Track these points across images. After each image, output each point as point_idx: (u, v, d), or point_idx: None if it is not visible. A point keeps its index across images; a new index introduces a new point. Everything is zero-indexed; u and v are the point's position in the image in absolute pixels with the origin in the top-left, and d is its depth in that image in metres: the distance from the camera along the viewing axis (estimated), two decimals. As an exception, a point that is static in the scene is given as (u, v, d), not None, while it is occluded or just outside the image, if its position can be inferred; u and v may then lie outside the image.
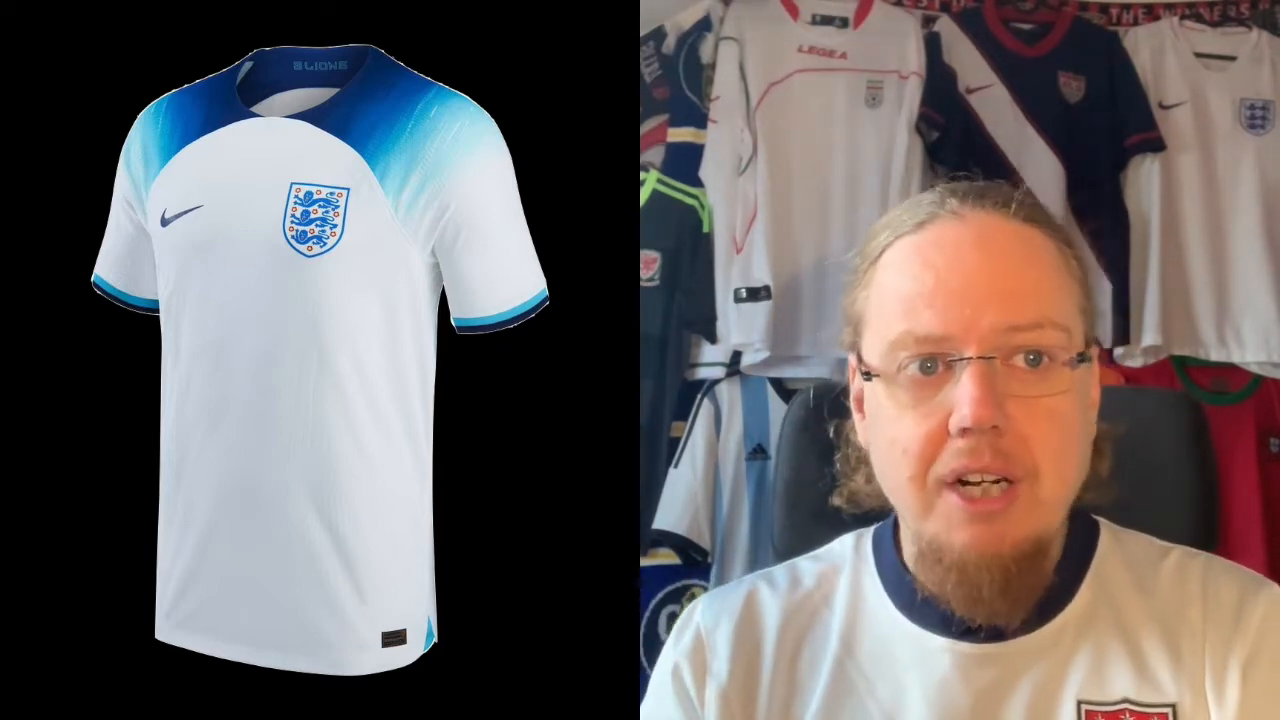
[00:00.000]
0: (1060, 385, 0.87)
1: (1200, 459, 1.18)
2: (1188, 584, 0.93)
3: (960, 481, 0.88)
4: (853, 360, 0.95)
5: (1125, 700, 0.89)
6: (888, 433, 0.91)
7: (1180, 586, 0.93)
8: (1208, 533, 1.17)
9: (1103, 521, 0.99)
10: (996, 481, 0.87)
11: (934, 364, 0.87)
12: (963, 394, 0.85)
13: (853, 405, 0.98)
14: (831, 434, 1.01)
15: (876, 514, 1.00)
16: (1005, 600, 0.89)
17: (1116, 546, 0.97)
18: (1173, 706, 0.89)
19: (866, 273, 0.94)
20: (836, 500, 1.00)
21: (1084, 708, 0.89)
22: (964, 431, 0.86)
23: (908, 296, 0.89)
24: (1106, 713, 0.89)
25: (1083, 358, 0.89)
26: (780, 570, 1.03)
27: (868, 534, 1.01)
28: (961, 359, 0.86)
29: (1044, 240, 0.91)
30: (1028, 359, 0.87)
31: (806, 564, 1.03)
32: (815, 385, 1.24)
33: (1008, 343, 0.86)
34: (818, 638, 0.97)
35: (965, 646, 0.92)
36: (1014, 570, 0.88)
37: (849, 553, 1.01)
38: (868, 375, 0.92)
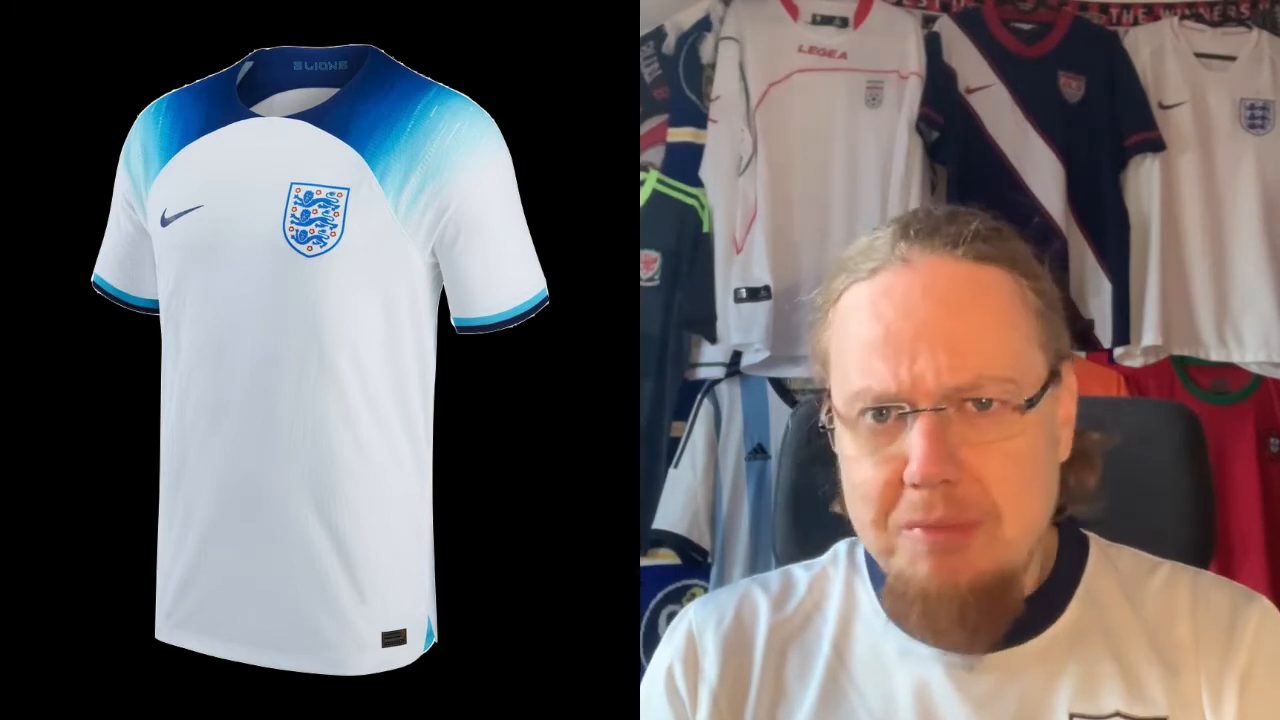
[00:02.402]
0: (1011, 430, 0.87)
1: (1198, 469, 1.18)
2: (1176, 599, 0.93)
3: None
4: (826, 393, 0.96)
5: (1117, 714, 0.89)
6: (851, 475, 0.92)
7: (1169, 601, 0.94)
8: (1205, 542, 1.17)
9: (1092, 536, 0.99)
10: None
11: (887, 413, 0.88)
12: (913, 449, 0.86)
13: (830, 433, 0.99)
14: (831, 444, 1.02)
15: None
16: (963, 630, 0.89)
17: (1106, 561, 0.97)
18: (1164, 719, 0.89)
19: (828, 313, 0.95)
20: (838, 508, 1.00)
21: None
22: (916, 486, 0.87)
23: (862, 347, 0.90)
24: None
25: (1034, 401, 0.88)
26: (774, 575, 1.04)
27: (861, 542, 1.01)
28: (913, 411, 0.87)
29: (996, 279, 0.90)
30: (978, 404, 0.87)
31: (800, 571, 1.03)
32: (817, 395, 1.24)
33: (954, 394, 0.87)
34: (809, 643, 0.98)
35: (956, 657, 0.92)
36: (970, 602, 0.88)
37: (842, 560, 1.02)
38: (828, 427, 0.93)
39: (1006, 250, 0.92)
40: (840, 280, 0.94)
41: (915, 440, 0.86)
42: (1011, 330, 0.90)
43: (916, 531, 0.88)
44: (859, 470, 0.90)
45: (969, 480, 0.87)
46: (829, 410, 0.93)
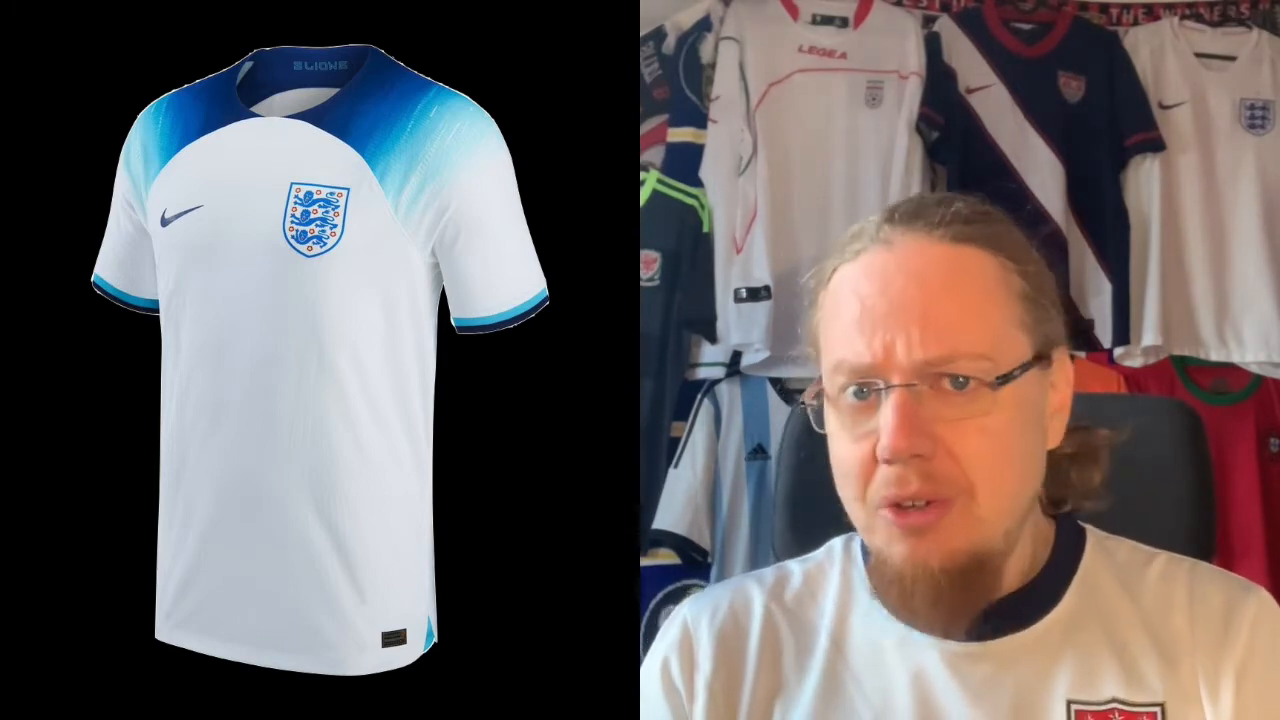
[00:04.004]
0: (985, 406, 0.88)
1: (1198, 465, 1.18)
2: (1173, 590, 0.94)
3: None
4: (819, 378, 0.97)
5: (1114, 700, 0.90)
6: (835, 452, 0.93)
7: (1166, 592, 0.94)
8: (1205, 539, 1.17)
9: (1089, 528, 0.99)
10: (928, 503, 0.88)
11: (866, 391, 0.89)
12: (883, 424, 0.87)
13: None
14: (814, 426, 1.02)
15: None
16: (938, 611, 0.90)
17: (1102, 552, 0.97)
18: (1161, 706, 0.89)
19: (819, 297, 0.97)
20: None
21: (1074, 707, 0.90)
22: (888, 460, 0.87)
23: (842, 324, 0.91)
24: (1096, 712, 0.90)
25: (1006, 378, 0.88)
26: (768, 570, 1.04)
27: (857, 536, 1.01)
28: (887, 387, 0.88)
29: (975, 259, 0.90)
30: (954, 382, 0.88)
31: (794, 565, 1.04)
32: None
33: (926, 371, 0.87)
34: (804, 635, 0.98)
35: (953, 645, 0.93)
36: (944, 583, 0.88)
37: (838, 554, 1.02)
38: (813, 404, 0.95)
39: (990, 232, 0.92)
40: (830, 263, 0.96)
41: (885, 415, 0.87)
42: (989, 309, 0.90)
43: (888, 513, 0.89)
44: (839, 447, 0.92)
45: (943, 455, 0.87)
46: (818, 392, 0.94)
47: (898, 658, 0.94)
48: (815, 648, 0.97)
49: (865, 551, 1.00)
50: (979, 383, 0.88)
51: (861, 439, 0.89)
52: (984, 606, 0.91)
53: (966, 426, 0.87)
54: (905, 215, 0.93)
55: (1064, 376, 0.95)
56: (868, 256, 0.92)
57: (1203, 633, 0.91)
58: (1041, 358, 0.91)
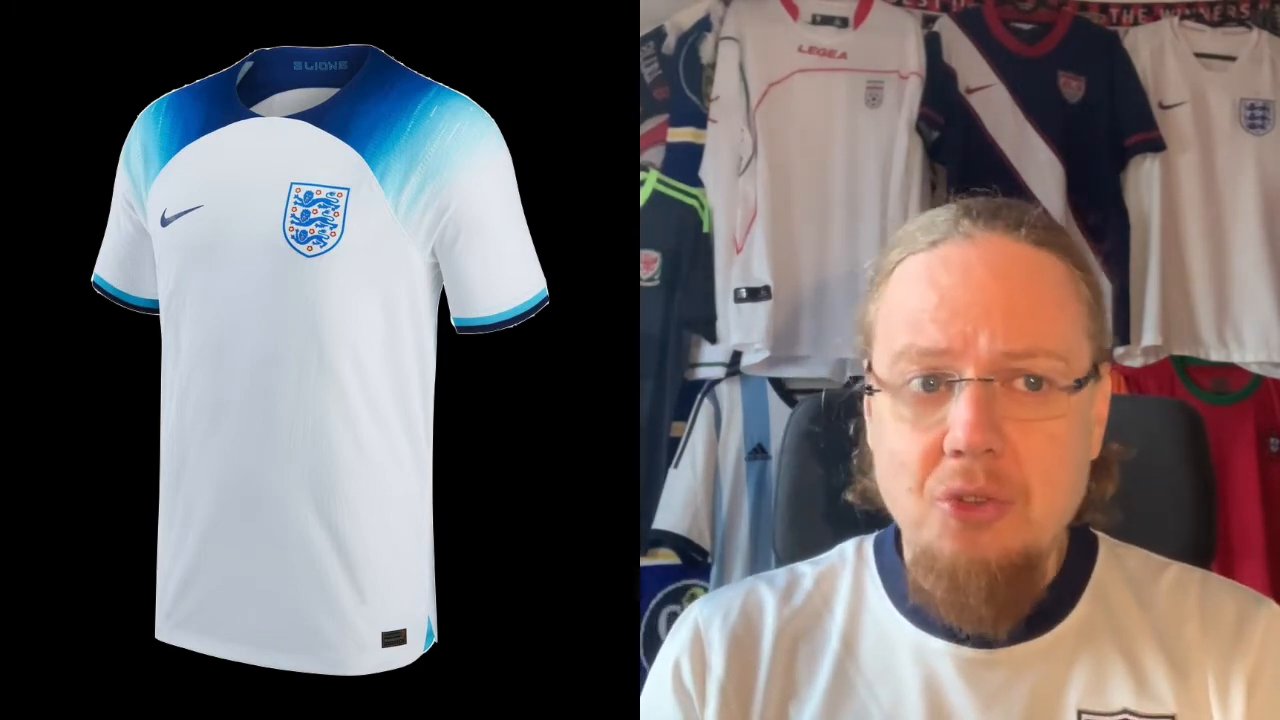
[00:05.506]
0: (1058, 410, 0.89)
1: (1198, 465, 1.18)
2: (1185, 600, 0.94)
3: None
4: (864, 367, 0.97)
5: (1125, 711, 0.90)
6: (888, 444, 0.93)
7: (1178, 602, 0.94)
8: (1207, 540, 1.17)
9: (1101, 536, 0.99)
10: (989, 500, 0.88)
11: (935, 382, 0.89)
12: (958, 416, 0.87)
13: (865, 409, 0.99)
14: (852, 431, 1.02)
15: (887, 513, 0.99)
16: (990, 607, 0.89)
17: (1115, 561, 0.97)
18: (1171, 717, 0.90)
19: (879, 286, 0.96)
20: (850, 496, 1.00)
21: (1085, 717, 0.90)
22: (958, 453, 0.87)
23: (913, 311, 0.91)
24: None
25: (1081, 383, 0.90)
26: (780, 572, 1.04)
27: (869, 538, 1.02)
28: (961, 380, 0.88)
29: (1053, 264, 0.92)
30: (1028, 382, 0.88)
31: (806, 567, 1.03)
32: (818, 394, 1.24)
33: (1005, 366, 0.88)
34: (816, 637, 0.98)
35: (966, 651, 0.93)
36: (1000, 579, 0.89)
37: (850, 556, 1.02)
38: (870, 388, 0.94)
39: (1062, 240, 0.94)
40: (896, 253, 0.95)
41: (961, 407, 0.87)
42: (1064, 313, 0.91)
43: (948, 505, 0.89)
44: (897, 438, 0.91)
45: (1010, 454, 0.87)
46: (870, 379, 0.94)
47: (910, 663, 0.94)
48: (826, 650, 0.97)
49: (878, 554, 1.00)
50: (1052, 386, 0.88)
51: (925, 430, 0.89)
52: (1031, 606, 0.91)
53: (1034, 428, 0.88)
54: (984, 214, 0.93)
55: (1105, 390, 0.96)
56: (946, 248, 0.92)
57: (1214, 642, 0.91)
58: (1095, 368, 0.92)
